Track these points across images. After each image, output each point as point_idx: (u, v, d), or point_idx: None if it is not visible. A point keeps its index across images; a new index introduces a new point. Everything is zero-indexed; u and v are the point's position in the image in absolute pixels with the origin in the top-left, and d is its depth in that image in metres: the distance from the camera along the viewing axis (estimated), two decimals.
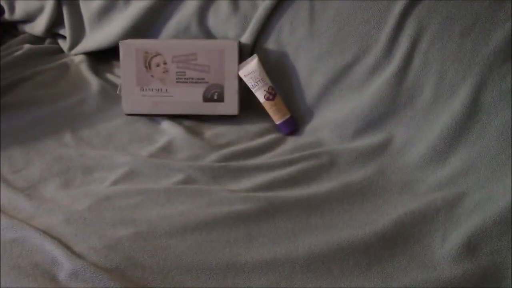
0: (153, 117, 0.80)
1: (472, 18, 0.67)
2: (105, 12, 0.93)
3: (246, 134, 0.75)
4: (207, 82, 0.78)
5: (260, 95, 0.77)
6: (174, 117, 0.79)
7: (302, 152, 0.69)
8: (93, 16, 0.94)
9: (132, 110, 0.79)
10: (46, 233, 0.54)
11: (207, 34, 0.84)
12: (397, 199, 0.62)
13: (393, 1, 0.72)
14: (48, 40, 1.04)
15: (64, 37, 1.01)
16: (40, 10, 1.01)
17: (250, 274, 0.51)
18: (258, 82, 0.77)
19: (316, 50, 0.76)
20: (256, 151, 0.71)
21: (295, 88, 0.78)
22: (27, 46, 0.98)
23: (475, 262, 0.52)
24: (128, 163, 0.67)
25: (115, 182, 0.64)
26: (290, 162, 0.67)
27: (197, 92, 0.78)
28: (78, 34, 0.98)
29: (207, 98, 0.79)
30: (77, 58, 0.95)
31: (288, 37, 0.78)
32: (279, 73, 0.79)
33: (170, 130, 0.76)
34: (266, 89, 0.77)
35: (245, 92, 0.80)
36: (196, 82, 0.78)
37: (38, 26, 1.02)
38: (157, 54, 0.78)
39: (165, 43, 0.79)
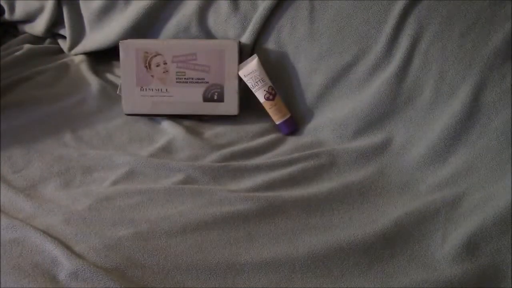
0: (153, 117, 0.80)
1: (472, 18, 0.67)
2: (105, 12, 0.93)
3: (246, 134, 0.75)
4: (207, 82, 0.78)
5: (260, 95, 0.77)
6: (174, 117, 0.79)
7: (302, 152, 0.69)
8: (93, 16, 0.94)
9: (132, 110, 0.79)
10: (46, 233, 0.54)
11: (207, 34, 0.84)
12: (397, 199, 0.62)
13: (393, 1, 0.72)
14: (48, 40, 1.04)
15: (64, 37, 1.01)
16: (40, 10, 1.01)
17: (250, 274, 0.51)
18: (258, 82, 0.77)
19: (316, 50, 0.76)
20: (256, 151, 0.71)
21: (295, 88, 0.78)
22: (27, 46, 0.98)
23: (475, 262, 0.52)
24: (128, 163, 0.67)
25: (115, 182, 0.64)
26: (290, 162, 0.67)
27: (197, 92, 0.78)
28: (78, 34, 0.98)
29: (207, 98, 0.79)
30: (77, 58, 0.95)
31: (288, 37, 0.78)
32: (279, 73, 0.79)
33: (170, 130, 0.76)
34: (266, 89, 0.77)
35: (245, 92, 0.80)
36: (196, 82, 0.78)
37: (38, 26, 1.02)
38: (157, 54, 0.78)
39: (165, 43, 0.79)
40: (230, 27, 0.82)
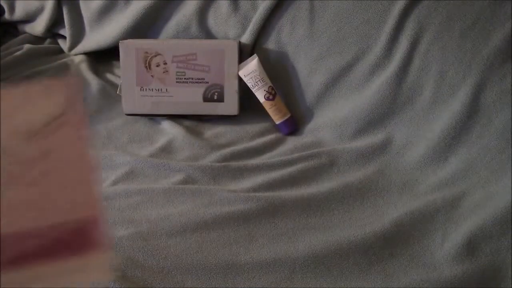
0: (153, 117, 0.80)
1: (472, 18, 0.67)
2: (105, 12, 0.93)
3: (246, 134, 0.75)
4: (207, 82, 0.78)
5: (260, 95, 0.77)
6: (174, 117, 0.79)
7: (302, 152, 0.69)
8: (93, 16, 0.94)
9: (132, 110, 0.79)
10: None
11: (207, 34, 0.84)
12: (397, 199, 0.62)
13: (393, 1, 0.72)
14: (48, 40, 1.04)
15: (64, 37, 1.01)
16: (40, 10, 1.01)
17: (250, 274, 0.51)
18: (258, 82, 0.77)
19: (316, 50, 0.76)
20: (256, 151, 0.71)
21: (295, 88, 0.78)
22: (27, 46, 0.98)
23: (475, 262, 0.52)
24: (128, 163, 0.67)
25: (115, 182, 0.64)
26: (290, 162, 0.67)
27: (197, 92, 0.78)
28: (78, 34, 0.98)
29: (207, 98, 0.79)
30: (77, 58, 0.95)
31: (288, 37, 0.78)
32: (279, 73, 0.79)
33: (170, 130, 0.76)
34: (266, 89, 0.77)
35: (245, 92, 0.80)
36: (196, 82, 0.78)
37: (38, 26, 1.02)
38: (157, 54, 0.78)
39: (165, 43, 0.79)
40: (230, 27, 0.82)
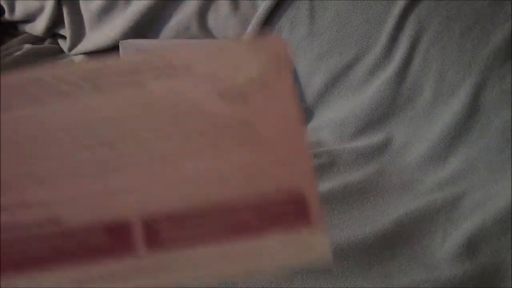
0: None
1: (472, 18, 0.67)
2: (105, 12, 0.93)
3: None
4: None
5: None
6: None
7: None
8: (93, 16, 0.94)
9: None
10: None
11: (207, 34, 0.84)
12: (397, 199, 0.62)
13: (393, 1, 0.72)
14: (48, 40, 1.04)
15: (64, 37, 1.01)
16: (40, 10, 1.01)
17: None
18: None
19: (316, 50, 0.76)
20: None
21: (295, 88, 0.78)
22: (27, 46, 0.98)
23: (475, 262, 0.52)
24: None
25: None
26: None
27: None
28: (78, 34, 0.98)
29: None
30: (77, 58, 0.95)
31: (288, 37, 0.78)
32: None
33: None
34: None
35: None
36: None
37: (38, 26, 1.02)
38: None
39: (165, 43, 0.78)
40: (230, 27, 0.82)
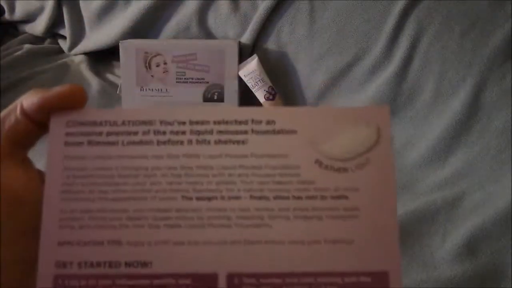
0: None
1: (472, 18, 0.67)
2: (105, 12, 0.93)
3: None
4: (207, 82, 0.78)
5: (260, 95, 0.77)
6: None
7: None
8: (93, 16, 0.94)
9: None
10: None
11: (207, 34, 0.84)
12: (397, 199, 0.62)
13: (393, 1, 0.72)
14: (48, 40, 1.04)
15: (64, 37, 1.01)
16: (40, 10, 1.01)
17: None
18: (258, 82, 0.77)
19: (316, 50, 0.76)
20: None
21: (295, 88, 0.78)
22: (27, 46, 0.98)
23: (475, 262, 0.52)
24: None
25: None
26: None
27: (197, 92, 0.78)
28: (78, 34, 0.98)
29: (207, 98, 0.79)
30: (77, 58, 0.95)
31: (288, 37, 0.78)
32: (279, 73, 0.79)
33: None
34: (266, 89, 0.77)
35: (245, 92, 0.80)
36: (196, 82, 0.78)
37: (38, 26, 1.02)
38: (157, 54, 0.78)
39: (165, 43, 0.79)
40: (230, 27, 0.82)
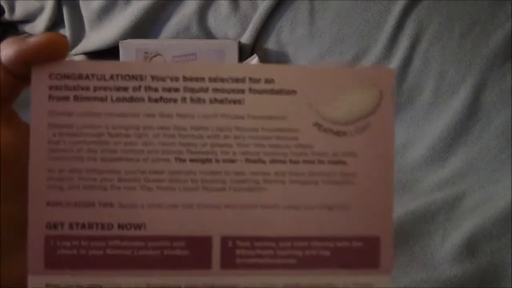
0: None
1: (472, 18, 0.67)
2: (105, 12, 0.93)
3: None
4: None
5: None
6: None
7: None
8: (93, 16, 0.94)
9: None
10: None
11: (207, 34, 0.84)
12: (397, 199, 0.61)
13: (393, 1, 0.72)
14: None
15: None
16: (40, 10, 1.01)
17: None
18: None
19: (316, 50, 0.76)
20: None
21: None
22: None
23: (475, 262, 0.52)
24: None
25: None
26: None
27: None
28: (78, 34, 0.98)
29: None
30: (77, 58, 0.95)
31: (288, 37, 0.78)
32: None
33: None
34: None
35: None
36: None
37: (38, 26, 1.02)
38: (157, 54, 0.78)
39: (165, 43, 0.79)
40: (230, 27, 0.82)
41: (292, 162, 0.24)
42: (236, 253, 0.24)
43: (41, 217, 0.23)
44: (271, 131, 0.24)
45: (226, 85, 0.23)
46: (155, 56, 0.78)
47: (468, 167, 0.63)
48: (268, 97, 0.24)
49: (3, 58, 0.23)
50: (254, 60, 0.77)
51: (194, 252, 0.24)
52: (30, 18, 1.04)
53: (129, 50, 0.78)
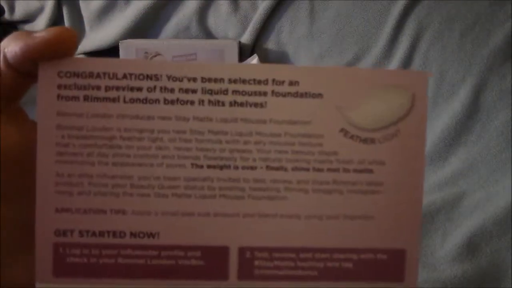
0: None
1: (472, 18, 0.67)
2: (105, 12, 0.93)
3: None
4: None
5: None
6: None
7: None
8: (93, 16, 0.94)
9: None
10: None
11: (207, 34, 0.84)
12: None
13: (393, 1, 0.72)
14: None
15: None
16: (40, 10, 1.01)
17: None
18: None
19: (316, 50, 0.76)
20: None
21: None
22: None
23: (475, 262, 0.52)
24: None
25: None
26: None
27: None
28: (78, 34, 0.98)
29: None
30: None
31: (288, 37, 0.78)
32: None
33: None
34: None
35: None
36: None
37: (38, 26, 1.02)
38: (157, 54, 0.78)
39: (165, 43, 0.79)
40: (230, 27, 0.82)
41: (315, 170, 0.23)
42: (254, 264, 0.23)
43: (49, 224, 0.22)
44: (295, 136, 0.22)
45: (247, 87, 0.22)
46: (155, 56, 0.78)
47: (468, 167, 0.63)
48: (292, 100, 0.22)
49: (8, 54, 0.22)
50: (254, 60, 0.77)
51: (210, 263, 0.23)
52: (30, 18, 1.04)
53: (129, 50, 0.78)
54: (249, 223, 0.23)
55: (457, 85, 0.66)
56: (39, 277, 0.22)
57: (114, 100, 0.22)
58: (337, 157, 0.23)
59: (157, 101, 0.22)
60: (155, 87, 0.22)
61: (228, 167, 0.22)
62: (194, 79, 0.22)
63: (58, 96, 0.22)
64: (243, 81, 0.22)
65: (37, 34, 0.21)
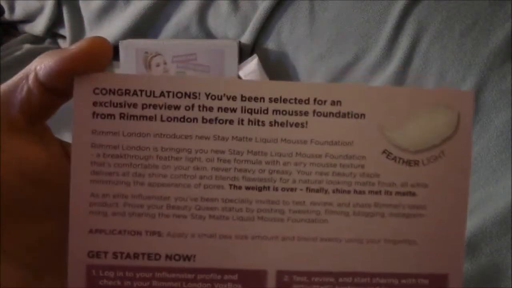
0: None
1: (472, 18, 0.67)
2: (105, 12, 0.93)
3: None
4: None
5: None
6: None
7: None
8: (93, 16, 0.94)
9: None
10: None
11: (207, 34, 0.84)
12: None
13: (393, 1, 0.72)
14: (48, 40, 1.04)
15: (64, 37, 1.01)
16: (40, 10, 1.01)
17: None
18: None
19: (316, 50, 0.76)
20: None
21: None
22: (27, 46, 0.98)
23: (475, 262, 0.52)
24: None
25: None
26: None
27: None
28: (78, 34, 0.98)
29: None
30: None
31: (288, 37, 0.78)
32: (279, 73, 0.79)
33: None
34: None
35: None
36: None
37: (38, 26, 1.02)
38: (157, 54, 0.78)
39: (165, 43, 0.79)
40: (230, 27, 0.82)
41: (357, 192, 0.22)
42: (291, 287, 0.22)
43: (82, 245, 0.22)
44: (336, 158, 0.22)
45: (288, 106, 0.21)
46: (155, 56, 0.78)
47: None
48: (334, 120, 0.22)
49: (41, 71, 0.21)
50: (254, 60, 0.77)
51: (247, 286, 0.22)
52: (30, 18, 1.04)
53: (129, 50, 0.78)
54: (287, 246, 0.22)
55: (457, 85, 0.66)
56: None
57: (151, 118, 0.22)
58: (379, 179, 0.22)
59: (195, 119, 0.22)
60: (193, 106, 0.21)
61: (267, 188, 0.22)
62: (234, 98, 0.21)
63: (94, 113, 0.21)
64: (284, 100, 0.21)
65: (71, 46, 0.21)
